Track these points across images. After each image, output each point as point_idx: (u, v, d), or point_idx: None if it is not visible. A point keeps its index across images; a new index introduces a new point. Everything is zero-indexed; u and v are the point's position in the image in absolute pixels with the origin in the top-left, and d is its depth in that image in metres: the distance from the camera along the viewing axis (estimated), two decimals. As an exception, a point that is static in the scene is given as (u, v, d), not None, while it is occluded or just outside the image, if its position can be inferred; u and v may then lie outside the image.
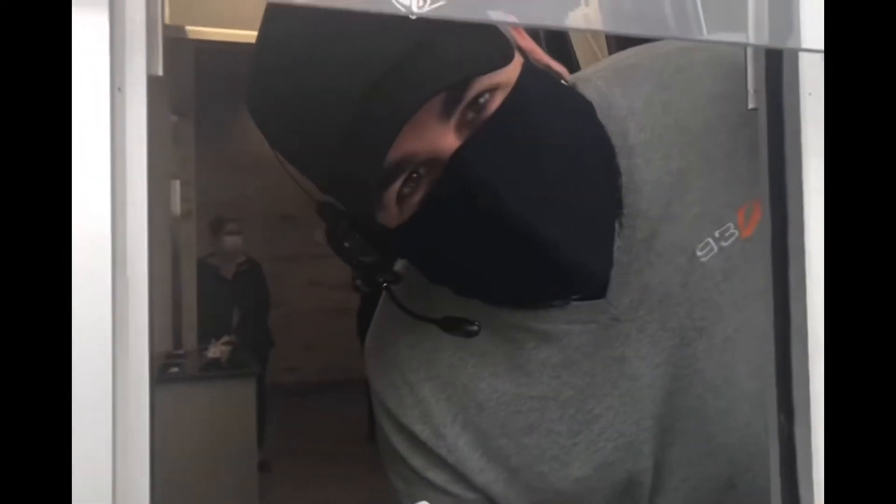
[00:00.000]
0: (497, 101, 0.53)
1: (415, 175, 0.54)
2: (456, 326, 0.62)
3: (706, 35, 0.37)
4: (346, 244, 0.60)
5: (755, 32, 0.36)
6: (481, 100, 0.53)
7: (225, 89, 5.70)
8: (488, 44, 0.53)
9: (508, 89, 0.54)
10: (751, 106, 0.43)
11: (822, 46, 0.37)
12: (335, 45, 0.50)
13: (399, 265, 0.67)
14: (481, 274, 0.59)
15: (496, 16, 0.32)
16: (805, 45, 0.37)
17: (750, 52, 0.43)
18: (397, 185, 0.54)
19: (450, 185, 0.53)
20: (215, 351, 3.71)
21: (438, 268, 0.61)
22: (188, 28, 3.80)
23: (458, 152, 0.52)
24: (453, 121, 0.53)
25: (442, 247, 0.57)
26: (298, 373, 6.30)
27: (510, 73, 0.54)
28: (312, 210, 0.61)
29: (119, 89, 0.32)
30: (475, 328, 0.61)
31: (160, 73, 0.37)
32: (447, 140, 0.53)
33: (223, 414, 3.42)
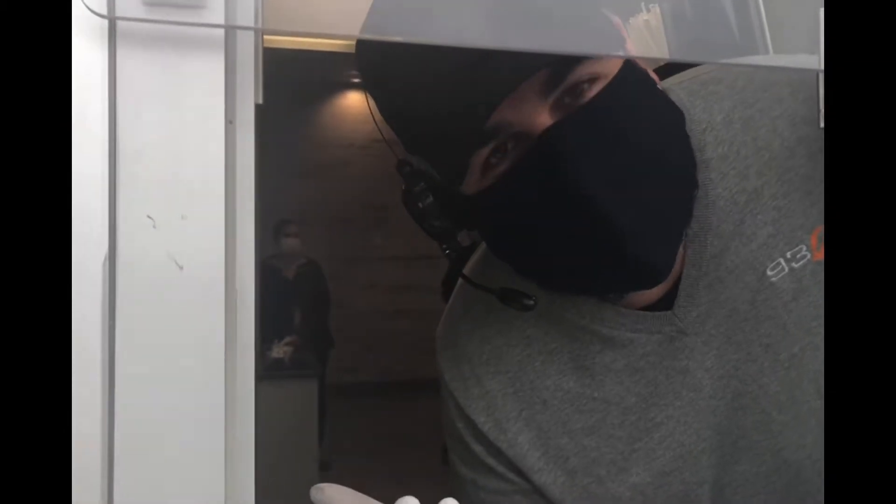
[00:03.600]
0: (595, 90, 0.55)
1: (504, 147, 0.56)
2: (513, 298, 0.63)
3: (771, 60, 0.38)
4: (420, 205, 0.61)
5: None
6: (580, 87, 0.55)
7: (287, 95, 5.83)
8: (597, 31, 0.55)
9: (607, 81, 0.55)
10: (822, 125, 0.44)
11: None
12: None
13: (462, 236, 0.67)
14: (544, 252, 0.59)
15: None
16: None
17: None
18: (486, 150, 0.56)
19: (535, 158, 0.55)
20: (279, 351, 3.79)
21: (505, 241, 0.62)
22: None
23: (550, 129, 0.54)
24: (550, 101, 0.55)
25: (514, 219, 0.58)
26: (357, 372, 6.38)
27: (611, 66, 0.56)
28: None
29: (230, 122, 0.34)
30: (531, 302, 0.63)
31: (261, 101, 0.40)
32: (541, 117, 0.54)
33: (286, 413, 3.48)
